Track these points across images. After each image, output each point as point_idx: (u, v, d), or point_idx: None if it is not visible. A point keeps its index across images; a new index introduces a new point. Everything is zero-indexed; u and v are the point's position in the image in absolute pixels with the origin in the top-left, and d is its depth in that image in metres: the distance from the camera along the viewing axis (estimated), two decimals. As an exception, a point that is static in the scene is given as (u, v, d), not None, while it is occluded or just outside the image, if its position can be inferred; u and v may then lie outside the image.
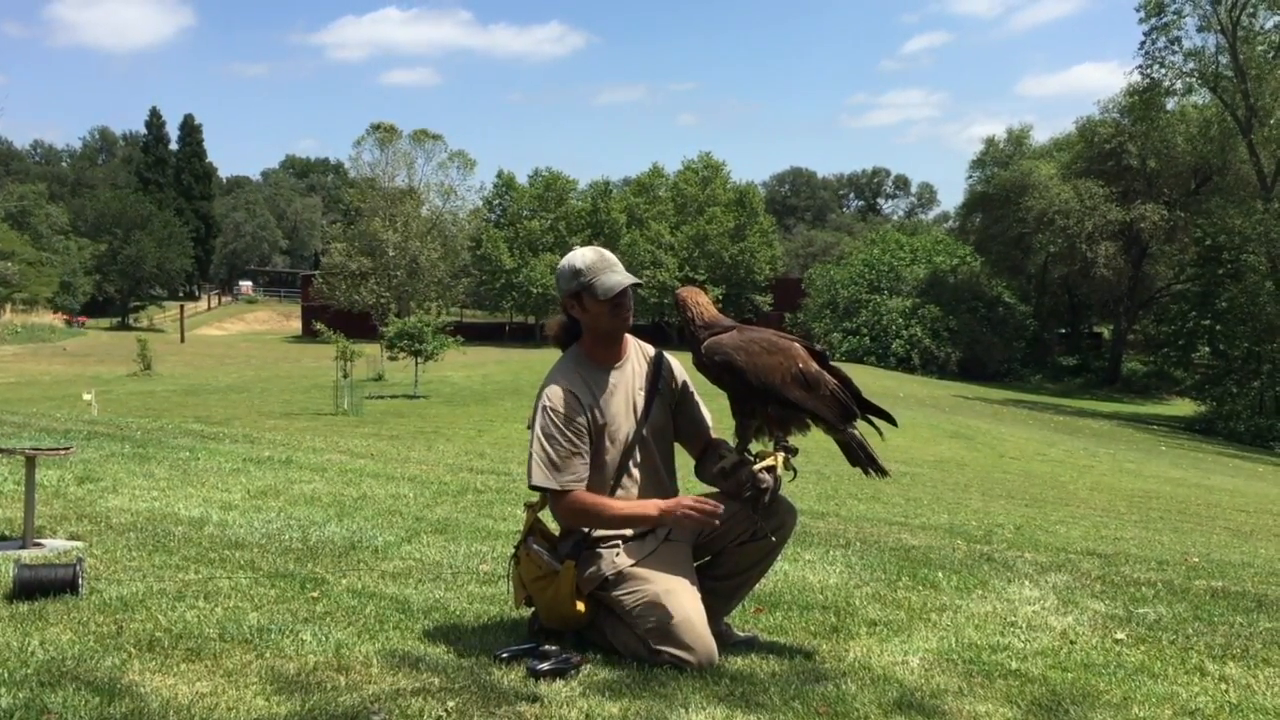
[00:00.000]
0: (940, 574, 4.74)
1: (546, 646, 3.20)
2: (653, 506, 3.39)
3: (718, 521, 3.35)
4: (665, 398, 3.60)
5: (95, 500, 5.49)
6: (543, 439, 3.39)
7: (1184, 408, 40.54)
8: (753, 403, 3.44)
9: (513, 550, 3.59)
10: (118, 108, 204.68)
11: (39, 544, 4.63)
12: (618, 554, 3.44)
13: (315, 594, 3.93)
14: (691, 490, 3.76)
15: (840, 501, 8.03)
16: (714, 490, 3.56)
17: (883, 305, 49.86)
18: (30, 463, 4.62)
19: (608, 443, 3.46)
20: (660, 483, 3.59)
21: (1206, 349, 40.89)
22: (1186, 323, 40.77)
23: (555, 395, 3.42)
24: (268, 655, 3.19)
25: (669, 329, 64.42)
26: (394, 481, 6.52)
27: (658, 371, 3.60)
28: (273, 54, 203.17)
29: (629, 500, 3.45)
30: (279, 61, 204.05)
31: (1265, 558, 6.72)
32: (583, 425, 3.41)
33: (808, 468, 11.27)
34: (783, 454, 3.41)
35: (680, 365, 3.69)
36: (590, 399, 3.45)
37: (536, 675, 3.07)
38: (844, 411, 3.47)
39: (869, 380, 38.63)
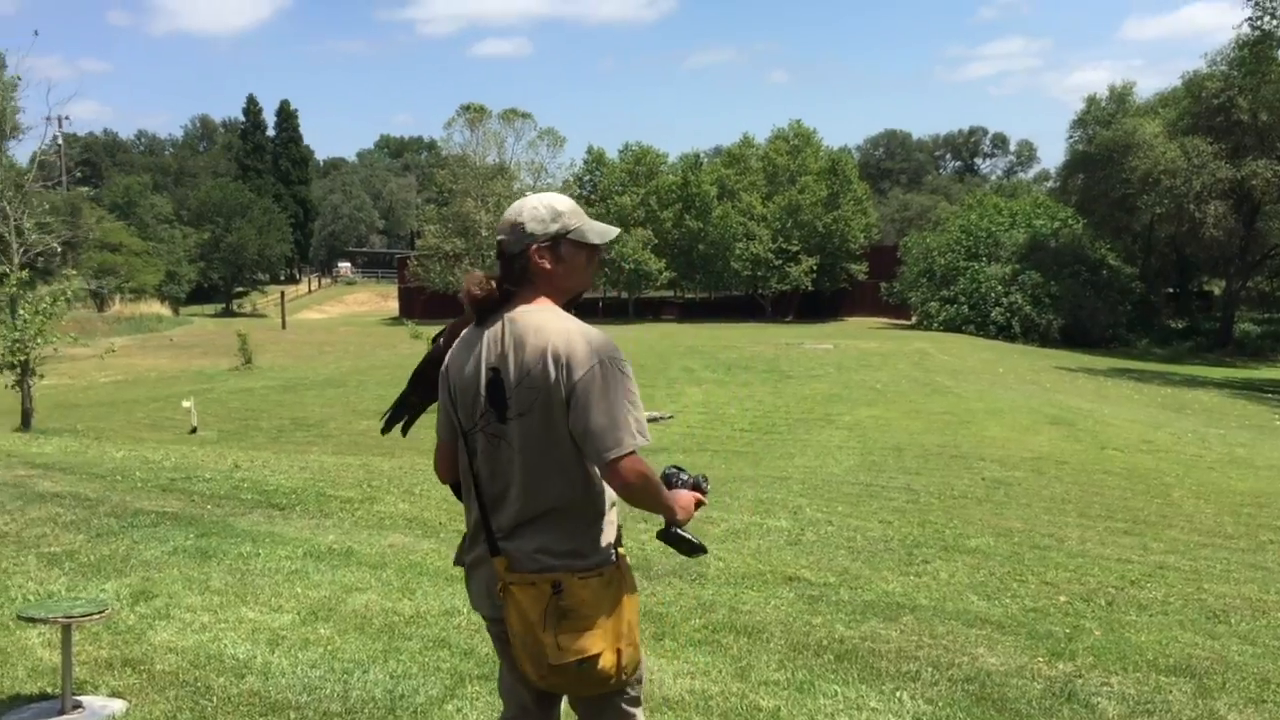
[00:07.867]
0: (1015, 729, 4.41)
1: None
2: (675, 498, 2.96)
3: None
4: None
5: (144, 632, 5.41)
6: (632, 395, 2.79)
7: (1302, 373, 38.94)
8: None
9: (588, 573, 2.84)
10: (217, 92, 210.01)
11: (79, 705, 4.55)
12: None
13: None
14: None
15: (926, 564, 7.61)
16: None
17: (981, 273, 48.66)
18: (66, 630, 4.53)
19: None
20: None
21: (1327, 310, 39.19)
22: (1304, 283, 39.09)
23: (618, 349, 2.85)
24: None
25: (763, 301, 63.84)
26: (451, 583, 6.35)
27: None
28: (364, 31, 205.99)
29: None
30: (371, 39, 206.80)
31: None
32: None
33: (889, 506, 10.86)
34: None
35: None
36: None
37: None
38: None
39: (968, 350, 37.71)
